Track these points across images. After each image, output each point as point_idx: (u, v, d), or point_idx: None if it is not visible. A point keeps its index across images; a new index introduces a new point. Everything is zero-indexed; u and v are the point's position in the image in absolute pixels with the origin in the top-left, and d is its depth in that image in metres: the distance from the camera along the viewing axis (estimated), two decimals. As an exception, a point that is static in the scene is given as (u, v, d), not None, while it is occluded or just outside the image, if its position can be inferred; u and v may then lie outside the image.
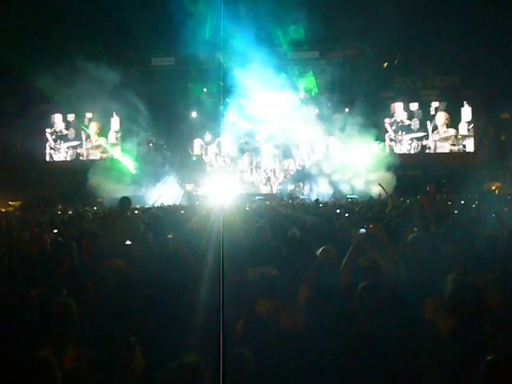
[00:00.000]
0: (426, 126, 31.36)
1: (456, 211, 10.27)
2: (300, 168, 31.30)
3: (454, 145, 31.12)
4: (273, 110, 29.25)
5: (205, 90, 30.96)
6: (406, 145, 31.46)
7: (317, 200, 19.27)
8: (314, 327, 4.09)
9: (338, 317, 4.08)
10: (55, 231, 8.79)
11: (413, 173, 27.64)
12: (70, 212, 18.42)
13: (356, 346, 3.53)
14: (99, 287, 4.70)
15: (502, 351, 2.82)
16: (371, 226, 5.53)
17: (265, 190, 30.95)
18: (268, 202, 21.82)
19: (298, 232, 7.66)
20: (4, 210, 22.73)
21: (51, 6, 25.83)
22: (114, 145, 32.38)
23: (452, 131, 31.21)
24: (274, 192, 30.50)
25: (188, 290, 4.64)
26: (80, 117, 32.92)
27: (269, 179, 31.44)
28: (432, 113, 31.25)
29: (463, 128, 31.09)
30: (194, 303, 4.31)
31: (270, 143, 31.30)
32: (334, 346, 3.74)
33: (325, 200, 22.70)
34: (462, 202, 16.44)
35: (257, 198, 26.43)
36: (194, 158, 32.07)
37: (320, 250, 5.65)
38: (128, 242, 5.81)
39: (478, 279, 3.99)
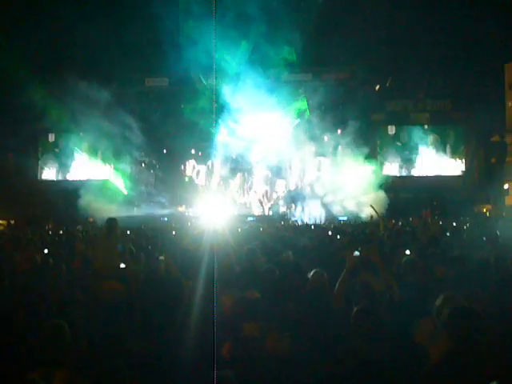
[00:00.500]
0: (416, 148, 31.53)
1: (448, 233, 10.25)
2: (292, 189, 31.32)
3: (444, 167, 31.30)
4: (265, 131, 29.35)
5: (198, 110, 31.02)
6: (397, 167, 31.59)
7: (308, 222, 19.27)
8: (302, 351, 4.06)
9: (330, 340, 4.05)
10: (45, 251, 8.69)
11: (404, 195, 27.72)
12: (61, 232, 18.30)
13: (347, 369, 3.51)
14: (93, 309, 4.66)
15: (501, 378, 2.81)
16: (364, 248, 5.52)
17: (257, 211, 30.91)
18: (260, 224, 21.78)
19: (291, 254, 7.63)
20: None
21: (45, 25, 25.96)
22: (106, 164, 32.29)
23: (442, 154, 31.41)
24: (266, 213, 30.45)
25: (179, 313, 4.60)
26: (72, 136, 32.83)
27: (261, 201, 31.41)
28: (422, 135, 31.45)
29: (453, 151, 31.31)
30: (185, 326, 4.27)
31: (262, 164, 31.34)
32: (324, 370, 3.71)
33: (317, 222, 22.69)
34: (454, 224, 16.46)
35: (249, 219, 26.40)
36: (186, 179, 32.04)
37: (312, 273, 5.63)
38: (122, 265, 5.75)
39: (475, 303, 3.98)
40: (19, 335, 3.97)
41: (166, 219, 27.48)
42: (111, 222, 7.80)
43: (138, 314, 4.59)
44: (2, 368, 3.51)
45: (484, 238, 8.30)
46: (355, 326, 3.82)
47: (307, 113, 30.61)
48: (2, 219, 27.14)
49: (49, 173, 33.44)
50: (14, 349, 3.71)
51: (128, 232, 15.13)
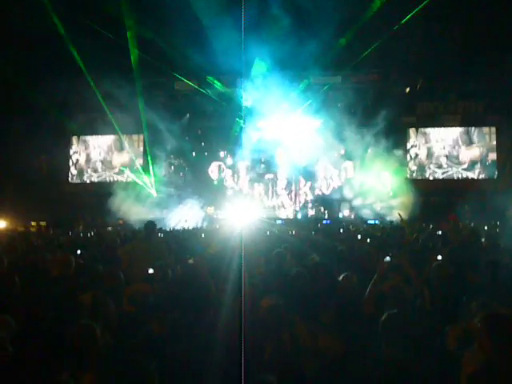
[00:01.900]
0: (448, 151, 31.14)
1: (483, 239, 10.08)
2: (321, 192, 31.20)
3: (477, 171, 30.83)
4: (293, 134, 29.32)
5: (226, 113, 31.12)
6: (429, 170, 31.22)
7: (338, 225, 19.16)
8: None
9: (360, 345, 4.04)
10: (78, 252, 8.83)
11: (435, 198, 27.37)
12: (92, 233, 18.54)
13: (376, 376, 3.49)
14: (123, 311, 4.71)
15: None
16: (395, 254, 5.49)
17: (285, 214, 30.87)
18: (288, 227, 21.76)
19: (317, 257, 7.62)
20: (26, 229, 22.91)
21: (76, 31, 26.34)
22: (136, 167, 32.59)
23: (475, 157, 30.94)
24: (295, 216, 30.38)
25: (208, 316, 4.63)
26: (103, 138, 33.28)
27: (289, 204, 31.37)
28: (454, 138, 31.05)
29: (486, 154, 30.83)
30: (215, 329, 4.29)
31: (290, 167, 31.30)
32: (354, 376, 3.70)
33: (346, 225, 22.56)
34: (486, 228, 16.22)
35: (277, 222, 26.38)
36: (215, 182, 32.16)
37: (341, 277, 5.62)
38: (151, 271, 5.81)
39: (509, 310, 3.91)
40: (52, 336, 4.03)
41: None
42: (149, 225, 7.87)
43: (166, 316, 4.63)
44: (34, 368, 3.58)
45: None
46: (385, 331, 3.80)
47: (336, 115, 30.38)
48: (33, 221, 27.58)
49: (79, 175, 33.85)
50: (47, 349, 3.77)
51: (159, 235, 15.28)
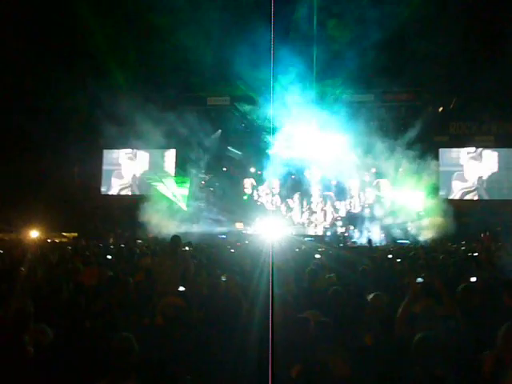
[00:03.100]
0: (479, 172, 30.74)
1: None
2: (351, 210, 31.02)
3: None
4: (325, 152, 29.27)
5: (258, 129, 31.29)
6: (460, 191, 30.83)
7: (369, 241, 18.98)
8: (364, 376, 4.03)
9: (391, 366, 4.01)
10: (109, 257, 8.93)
11: (466, 220, 26.92)
12: (122, 245, 18.71)
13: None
14: (156, 324, 4.76)
15: None
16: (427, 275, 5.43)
17: (314, 231, 30.74)
18: (318, 244, 21.69)
19: (335, 277, 7.58)
20: (58, 240, 23.25)
21: (108, 46, 26.88)
22: (166, 181, 32.88)
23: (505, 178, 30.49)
24: (324, 234, 30.23)
25: (239, 332, 4.64)
26: (136, 153, 33.71)
27: (319, 221, 31.26)
28: (485, 159, 30.66)
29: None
30: (245, 346, 4.30)
31: (321, 185, 31.24)
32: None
33: (376, 244, 22.39)
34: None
35: (306, 239, 26.28)
36: (245, 197, 32.24)
37: (372, 296, 5.59)
38: (181, 288, 5.86)
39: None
40: (89, 346, 4.10)
41: (224, 236, 27.71)
42: (175, 239, 7.97)
43: (197, 330, 4.66)
44: (73, 378, 3.65)
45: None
46: (418, 352, 3.76)
47: (368, 133, 30.27)
48: (65, 232, 27.99)
49: (115, 187, 34.27)
50: (84, 360, 3.84)
51: (187, 248, 15.36)
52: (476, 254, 13.32)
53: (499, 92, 25.36)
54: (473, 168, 30.76)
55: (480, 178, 30.65)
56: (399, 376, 3.73)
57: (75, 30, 26.37)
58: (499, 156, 30.61)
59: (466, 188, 30.70)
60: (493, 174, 30.60)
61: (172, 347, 4.06)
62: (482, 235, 23.81)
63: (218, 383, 3.86)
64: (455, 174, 30.75)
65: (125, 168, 34.20)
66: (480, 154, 30.76)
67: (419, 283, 5.07)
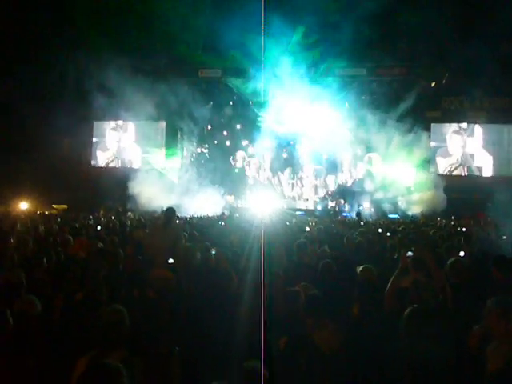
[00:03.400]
0: (470, 147, 30.78)
1: (504, 236, 9.96)
2: (342, 184, 31.10)
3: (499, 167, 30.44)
4: (316, 126, 29.21)
5: (250, 102, 31.10)
6: (450, 166, 30.89)
7: (358, 214, 19.07)
8: (354, 347, 4.06)
9: (380, 339, 4.03)
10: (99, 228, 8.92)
11: (458, 195, 27.06)
12: (113, 217, 18.69)
13: (397, 370, 3.48)
14: (145, 296, 4.76)
15: None
16: (417, 249, 5.44)
17: (305, 205, 30.83)
18: (309, 218, 21.77)
19: (328, 249, 7.61)
20: (48, 212, 23.17)
21: (101, 19, 26.51)
22: (158, 153, 32.73)
23: (497, 154, 30.57)
24: (315, 208, 30.33)
25: (230, 305, 4.65)
26: (125, 124, 33.46)
27: (310, 195, 31.33)
28: (476, 134, 30.68)
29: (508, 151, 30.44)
30: (236, 319, 4.31)
31: (312, 158, 31.25)
32: (374, 368, 3.70)
33: (366, 218, 22.46)
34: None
35: (297, 213, 26.36)
36: (236, 170, 32.21)
37: (360, 269, 5.61)
38: (171, 261, 5.84)
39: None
40: (79, 319, 4.10)
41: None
42: (169, 211, 7.93)
43: (187, 303, 4.66)
44: (62, 348, 3.65)
45: None
46: (407, 325, 3.77)
47: (360, 107, 30.15)
48: (55, 204, 27.88)
49: (101, 159, 34.08)
50: (72, 330, 3.84)
51: (177, 221, 15.36)
52: (465, 229, 13.43)
53: (491, 67, 25.28)
54: (456, 143, 30.74)
55: (465, 153, 30.66)
56: (387, 350, 3.75)
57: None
58: (489, 131, 30.62)
59: (451, 164, 30.71)
60: (482, 149, 30.64)
61: (161, 319, 4.06)
62: (479, 212, 23.92)
63: (208, 354, 3.87)
64: (439, 149, 30.70)
65: (115, 140, 33.97)
66: (466, 130, 30.75)
67: (409, 257, 5.07)
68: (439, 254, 7.31)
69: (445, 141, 30.81)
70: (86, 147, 33.52)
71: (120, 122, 33.36)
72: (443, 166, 30.60)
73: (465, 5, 24.70)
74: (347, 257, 7.06)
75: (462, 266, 5.74)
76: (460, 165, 30.64)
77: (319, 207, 30.23)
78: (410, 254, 5.11)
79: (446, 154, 30.68)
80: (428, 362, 3.39)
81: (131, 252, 7.04)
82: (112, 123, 33.61)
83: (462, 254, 6.63)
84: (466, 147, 30.67)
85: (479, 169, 30.53)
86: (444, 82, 29.78)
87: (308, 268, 6.25)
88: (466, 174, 30.51)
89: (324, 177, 31.36)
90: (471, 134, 30.67)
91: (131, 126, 33.48)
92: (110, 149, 33.96)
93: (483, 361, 3.54)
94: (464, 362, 3.65)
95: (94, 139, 33.99)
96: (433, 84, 30.00)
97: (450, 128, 30.84)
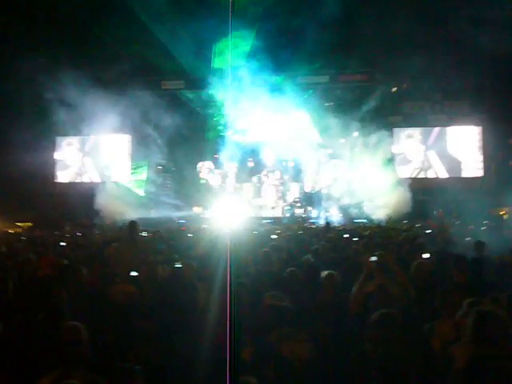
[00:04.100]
0: (435, 150, 31.30)
1: (468, 238, 10.12)
2: (308, 191, 31.26)
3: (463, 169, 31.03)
4: (281, 134, 29.32)
5: (214, 112, 31.08)
6: (414, 170, 31.33)
7: (327, 224, 19.15)
8: (322, 356, 4.06)
9: (346, 344, 4.05)
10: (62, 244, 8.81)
11: (421, 198, 27.46)
12: (79, 234, 18.44)
13: (363, 374, 3.50)
14: (107, 312, 4.69)
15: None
16: (381, 253, 5.50)
17: (272, 213, 30.86)
18: (276, 226, 21.79)
19: (311, 258, 7.63)
20: (12, 230, 22.71)
21: (59, 30, 26.22)
22: (122, 167, 32.43)
23: (461, 156, 31.17)
24: (283, 215, 30.39)
25: (194, 316, 4.61)
26: (90, 139, 33.12)
27: (277, 203, 31.40)
28: (439, 137, 31.23)
29: (471, 153, 31.04)
30: (201, 332, 4.28)
31: (278, 166, 31.36)
32: (342, 376, 3.71)
33: (333, 224, 22.61)
34: (471, 226, 16.29)
35: (264, 221, 26.36)
36: (202, 181, 32.10)
37: (325, 275, 5.64)
38: (134, 273, 5.77)
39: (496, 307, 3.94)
40: (39, 337, 4.01)
41: (183, 221, 27.53)
42: (132, 224, 7.85)
43: (151, 317, 4.61)
44: (23, 368, 3.57)
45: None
46: (373, 330, 3.80)
47: (324, 114, 30.39)
48: (20, 221, 27.37)
49: (65, 174, 33.61)
50: (34, 350, 3.76)
51: (144, 234, 15.23)
52: (429, 231, 13.62)
53: (451, 71, 25.81)
54: (417, 147, 31.29)
55: (427, 156, 31.19)
56: (354, 355, 3.77)
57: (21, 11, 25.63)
58: (449, 134, 31.25)
59: (416, 168, 31.20)
60: (445, 151, 31.20)
61: (123, 335, 4.00)
62: (436, 212, 24.34)
63: (173, 369, 3.83)
64: (398, 157, 31.16)
65: (79, 154, 33.57)
66: (427, 133, 31.34)
67: (373, 261, 5.12)
68: (404, 256, 7.41)
69: (406, 145, 31.31)
70: (49, 163, 33.01)
71: (83, 137, 33.00)
72: (407, 169, 31.05)
73: (424, 10, 25.16)
74: (313, 264, 7.08)
75: (426, 268, 5.83)
76: (421, 169, 31.15)
77: (286, 215, 30.31)
78: (373, 258, 5.16)
79: (407, 160, 31.17)
80: (393, 366, 3.42)
81: (97, 267, 6.95)
82: (75, 138, 33.21)
83: (425, 256, 6.71)
84: (427, 151, 31.21)
85: (439, 171, 31.10)
86: (404, 86, 30.27)
87: (274, 276, 6.25)
88: (430, 176, 31.02)
89: (290, 184, 31.49)
90: (432, 137, 31.23)
91: (94, 140, 33.13)
92: (73, 164, 33.54)
93: (447, 361, 3.59)
94: (429, 363, 3.70)
95: (57, 154, 33.51)
96: (394, 89, 30.45)
97: (412, 132, 31.35)
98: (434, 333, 4.00)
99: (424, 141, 31.16)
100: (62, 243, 11.80)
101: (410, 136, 31.28)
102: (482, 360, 3.26)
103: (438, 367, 3.67)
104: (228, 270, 5.09)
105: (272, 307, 4.47)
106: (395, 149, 30.88)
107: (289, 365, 3.85)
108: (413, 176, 30.63)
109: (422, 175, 31.04)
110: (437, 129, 31.19)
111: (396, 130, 30.82)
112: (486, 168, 30.60)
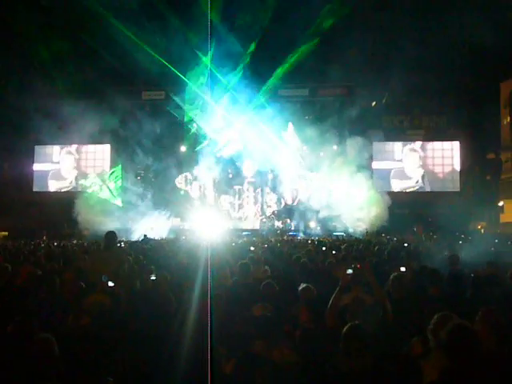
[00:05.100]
0: (412, 164, 31.65)
1: (445, 252, 10.20)
2: (288, 204, 31.31)
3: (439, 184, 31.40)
4: (260, 146, 29.36)
5: (194, 124, 31.01)
6: (393, 183, 31.62)
7: (304, 236, 19.20)
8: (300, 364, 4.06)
9: (321, 357, 4.04)
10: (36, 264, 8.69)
11: (399, 211, 27.68)
12: (55, 243, 18.25)
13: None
14: (82, 323, 4.63)
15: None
16: (359, 265, 5.50)
17: (251, 225, 30.84)
18: (255, 238, 21.79)
19: (268, 269, 7.66)
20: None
21: (42, 38, 26.05)
22: (102, 177, 32.20)
23: (438, 171, 31.56)
24: (261, 228, 30.37)
25: (169, 327, 4.57)
26: (69, 148, 32.92)
27: (256, 215, 31.40)
28: (417, 152, 31.62)
29: (448, 167, 31.46)
30: (179, 342, 4.24)
31: (257, 179, 31.40)
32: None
33: (312, 237, 22.70)
34: (449, 240, 16.45)
35: (243, 233, 26.35)
36: (181, 192, 31.98)
37: (301, 288, 5.64)
38: (110, 284, 5.71)
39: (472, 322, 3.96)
40: (10, 349, 3.93)
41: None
42: (110, 235, 7.76)
43: (124, 327, 4.56)
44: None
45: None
46: (345, 343, 3.80)
47: (303, 127, 30.52)
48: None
49: (43, 184, 33.31)
50: (5, 363, 3.68)
51: (123, 245, 15.14)
52: (407, 245, 13.71)
53: (429, 87, 26.17)
54: (406, 161, 31.67)
55: (422, 172, 31.62)
56: (330, 367, 3.76)
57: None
58: (427, 149, 31.68)
59: (400, 181, 31.55)
60: (421, 166, 31.64)
61: (96, 347, 3.95)
62: (416, 226, 24.54)
63: (144, 382, 3.79)
64: (389, 167, 31.51)
65: (58, 163, 33.32)
66: (418, 147, 31.78)
67: (349, 274, 5.11)
68: (381, 269, 7.44)
69: (386, 159, 31.65)
70: (27, 172, 32.71)
71: (62, 146, 32.80)
72: (388, 183, 31.38)
73: (403, 27, 25.47)
74: (291, 276, 7.08)
75: (404, 281, 5.84)
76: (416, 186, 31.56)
77: (265, 227, 30.30)
78: (350, 271, 5.15)
79: (403, 176, 31.55)
80: (366, 377, 3.42)
81: (70, 278, 6.85)
82: (54, 147, 32.99)
83: (403, 269, 6.74)
84: (409, 164, 31.57)
85: (420, 186, 31.44)
86: (384, 101, 30.58)
87: (251, 288, 6.23)
88: (410, 190, 31.34)
89: (270, 197, 31.52)
90: (411, 151, 31.61)
91: (74, 149, 32.94)
92: (51, 173, 33.28)
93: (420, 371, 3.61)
94: (403, 374, 3.70)
95: (36, 164, 33.24)
96: (373, 103, 30.74)
97: (393, 146, 31.73)
98: (411, 346, 4.01)
99: (406, 155, 31.58)
100: (36, 253, 11.65)
101: (392, 149, 31.69)
102: (454, 375, 3.28)
103: (413, 380, 3.67)
104: (208, 282, 5.08)
105: (262, 317, 4.46)
106: (376, 161, 31.17)
107: (282, 370, 3.84)
108: (393, 190, 30.89)
109: (402, 189, 31.33)
110: (418, 143, 31.62)
111: (375, 143, 31.06)
112: (464, 182, 30.97)
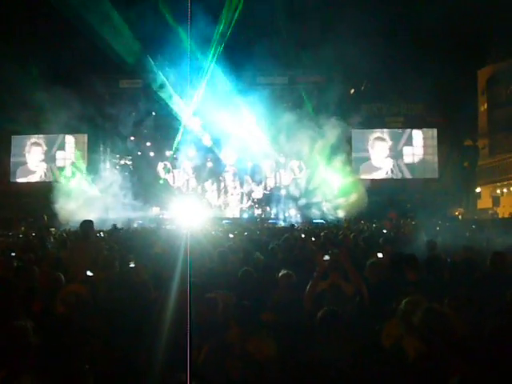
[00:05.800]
0: (391, 151, 31.85)
1: (426, 239, 10.31)
2: (267, 192, 31.35)
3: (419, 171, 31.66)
4: (241, 134, 29.32)
5: (172, 112, 30.81)
6: (372, 170, 31.81)
7: (292, 225, 19.24)
8: (278, 355, 4.07)
9: (298, 343, 4.06)
10: (13, 255, 8.61)
11: (378, 198, 27.86)
12: (34, 234, 18.07)
13: (312, 373, 3.52)
14: (56, 312, 4.61)
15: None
16: (336, 251, 5.54)
17: (232, 213, 30.86)
18: (235, 227, 21.78)
19: (262, 256, 7.65)
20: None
21: (18, 25, 25.68)
22: (80, 166, 31.91)
23: (416, 158, 31.79)
24: (241, 216, 30.40)
25: (149, 317, 4.56)
26: (45, 138, 32.56)
27: (236, 203, 31.41)
28: (385, 141, 31.86)
29: (426, 154, 31.70)
30: (157, 329, 4.24)
31: (237, 167, 31.37)
32: (292, 374, 3.71)
33: (292, 224, 22.73)
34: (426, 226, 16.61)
35: (224, 221, 26.32)
36: (161, 181, 31.85)
37: (280, 274, 5.66)
38: (89, 273, 5.70)
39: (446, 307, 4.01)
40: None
41: (140, 222, 27.24)
42: (86, 224, 7.71)
43: (103, 317, 4.54)
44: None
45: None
46: (321, 328, 3.83)
47: (283, 115, 30.50)
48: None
49: (21, 174, 32.97)
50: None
51: (102, 234, 15.04)
52: (385, 231, 13.84)
53: (408, 74, 26.27)
54: (378, 150, 31.83)
55: (391, 157, 31.76)
56: (309, 354, 3.78)
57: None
58: (405, 136, 31.89)
59: (378, 167, 31.75)
60: (402, 153, 31.82)
61: (73, 336, 3.94)
62: (390, 213, 24.75)
63: (123, 370, 3.78)
64: (367, 153, 31.70)
65: (35, 154, 32.98)
66: (386, 136, 31.93)
67: (326, 261, 5.15)
68: (359, 256, 7.50)
69: (366, 147, 31.80)
70: (4, 163, 32.32)
71: (39, 135, 32.44)
72: (367, 169, 31.57)
73: (381, 14, 25.54)
74: (269, 263, 7.10)
75: (380, 266, 5.90)
76: (384, 170, 31.71)
77: (245, 215, 30.34)
78: (326, 257, 5.19)
79: (371, 167, 31.71)
80: (341, 363, 3.45)
81: (47, 268, 6.81)
82: (31, 137, 32.63)
83: (380, 255, 6.80)
84: (388, 152, 31.76)
85: (400, 172, 31.67)
86: (363, 88, 30.68)
87: (228, 276, 6.25)
88: (389, 177, 31.56)
89: (249, 185, 31.53)
90: (390, 139, 31.80)
91: (51, 138, 32.59)
92: (29, 163, 32.94)
93: (397, 356, 3.64)
94: (379, 358, 3.74)
95: (13, 154, 32.86)
96: (352, 91, 30.82)
97: (371, 135, 31.86)
98: (385, 331, 4.05)
99: (394, 146, 31.76)
100: (16, 245, 11.54)
101: (376, 137, 31.83)
102: (427, 359, 3.33)
103: (389, 363, 3.70)
104: (188, 271, 5.07)
105: (238, 305, 4.47)
106: (355, 149, 31.32)
107: (256, 362, 3.84)
108: (371, 177, 31.08)
109: (380, 176, 31.53)
110: (398, 130, 31.82)
111: (354, 131, 31.20)
112: (442, 169, 31.26)
